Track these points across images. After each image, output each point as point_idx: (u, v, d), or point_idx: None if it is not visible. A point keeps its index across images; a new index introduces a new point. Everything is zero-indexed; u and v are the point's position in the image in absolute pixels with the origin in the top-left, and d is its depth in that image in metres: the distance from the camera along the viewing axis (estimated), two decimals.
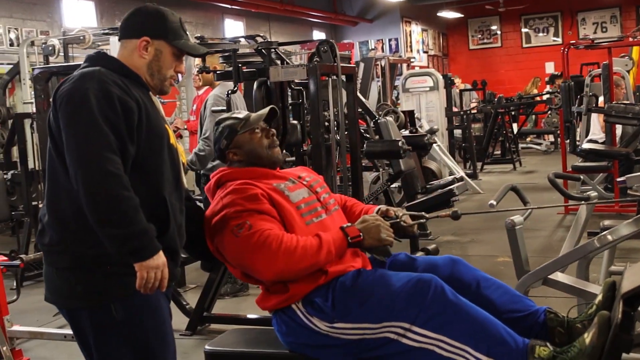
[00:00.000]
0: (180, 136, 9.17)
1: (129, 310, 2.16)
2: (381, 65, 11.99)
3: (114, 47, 7.28)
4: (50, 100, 2.32)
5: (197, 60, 5.35)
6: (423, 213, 2.73)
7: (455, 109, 12.57)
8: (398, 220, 2.60)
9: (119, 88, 2.16)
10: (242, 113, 2.77)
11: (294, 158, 6.53)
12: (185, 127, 8.07)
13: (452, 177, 7.08)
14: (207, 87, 7.78)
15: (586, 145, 6.61)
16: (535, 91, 15.49)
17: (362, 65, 11.34)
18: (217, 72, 4.77)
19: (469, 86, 14.71)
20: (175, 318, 4.46)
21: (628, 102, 7.71)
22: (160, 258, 2.10)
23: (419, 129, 8.58)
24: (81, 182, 2.04)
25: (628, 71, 8.96)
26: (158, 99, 2.49)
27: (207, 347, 2.67)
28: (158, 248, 2.10)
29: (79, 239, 2.15)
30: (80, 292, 2.16)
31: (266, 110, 2.75)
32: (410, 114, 8.27)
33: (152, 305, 2.21)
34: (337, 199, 2.83)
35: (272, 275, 2.39)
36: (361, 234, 2.44)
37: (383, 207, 2.69)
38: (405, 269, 2.54)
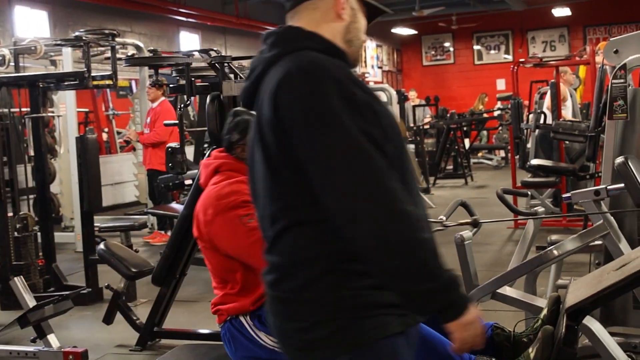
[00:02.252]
0: (133, 148, 9.09)
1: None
2: None
3: (66, 58, 7.18)
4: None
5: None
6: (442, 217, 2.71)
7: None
8: None
9: (354, 84, 1.65)
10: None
11: None
12: (138, 139, 8.00)
13: None
14: (163, 99, 7.76)
15: (535, 161, 6.74)
16: (482, 107, 15.74)
17: None
18: (171, 85, 4.74)
19: (422, 102, 14.89)
20: (125, 333, 4.44)
21: (575, 119, 7.90)
22: (472, 310, 1.66)
23: None
24: (357, 224, 1.54)
25: (575, 89, 9.18)
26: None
27: None
28: (467, 299, 1.67)
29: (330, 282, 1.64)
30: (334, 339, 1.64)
31: None
32: None
33: None
34: None
35: None
36: None
37: None
38: None
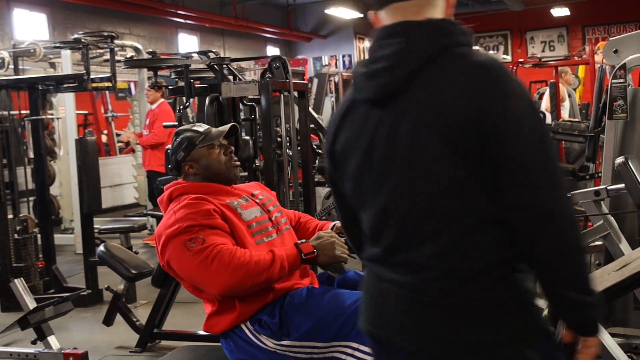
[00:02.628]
0: (132, 150, 9.09)
1: None
2: (335, 81, 12.07)
3: (65, 60, 7.18)
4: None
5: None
6: None
7: None
8: None
9: None
10: (202, 126, 2.75)
11: (246, 173, 6.50)
12: (137, 141, 8.00)
13: None
14: (161, 101, 7.75)
15: None
16: None
17: (315, 81, 11.40)
18: (170, 87, 4.74)
19: None
20: (125, 335, 4.44)
21: (574, 119, 7.90)
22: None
23: None
24: (549, 235, 1.52)
25: (575, 89, 9.19)
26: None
27: None
28: (600, 319, 1.64)
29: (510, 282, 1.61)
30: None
31: (227, 127, 2.74)
32: None
33: None
34: (291, 215, 2.83)
35: (224, 289, 2.36)
36: (315, 250, 2.43)
37: (338, 223, 2.68)
38: (355, 287, 2.54)
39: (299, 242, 2.48)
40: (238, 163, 2.74)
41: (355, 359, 2.30)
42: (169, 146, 4.70)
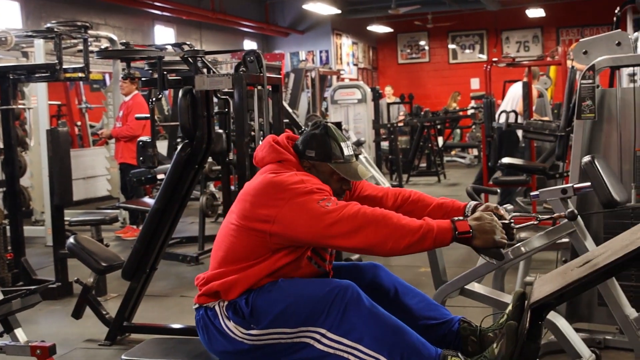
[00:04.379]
0: (106, 142, 9.02)
1: None
2: (311, 77, 12.08)
3: (38, 49, 7.11)
4: None
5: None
6: (535, 214, 2.61)
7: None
8: (509, 222, 2.42)
9: None
10: (350, 150, 2.57)
11: (219, 167, 6.50)
12: (111, 136, 7.96)
13: None
14: (135, 92, 7.71)
15: (506, 160, 6.81)
16: (455, 105, 15.87)
17: (292, 76, 11.40)
18: (142, 79, 4.71)
19: (396, 99, 14.96)
20: (95, 328, 4.42)
21: (546, 119, 8.00)
22: None
23: None
24: None
25: (547, 89, 9.29)
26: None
27: (123, 356, 2.64)
28: None
29: None
30: None
31: (366, 176, 2.57)
32: (338, 125, 8.34)
33: None
34: (380, 193, 2.72)
35: (365, 244, 2.25)
36: (472, 230, 2.28)
37: (491, 204, 2.51)
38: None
39: (456, 218, 2.31)
40: (344, 196, 2.61)
41: (322, 345, 2.31)
42: (143, 138, 4.70)
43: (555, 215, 2.72)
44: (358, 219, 2.26)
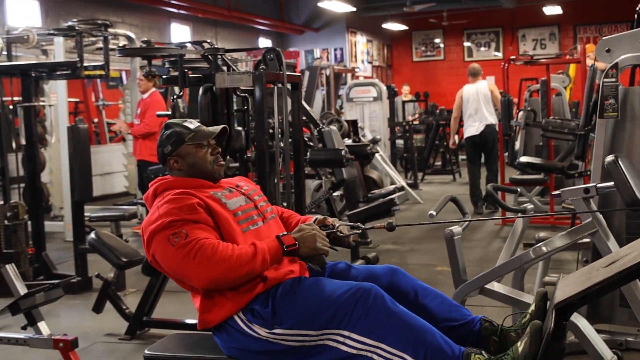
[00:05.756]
0: (123, 139, 9.07)
1: None
2: (326, 75, 12.07)
3: (58, 47, 7.16)
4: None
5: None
6: (359, 224, 2.76)
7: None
8: (334, 230, 2.64)
9: None
10: (193, 123, 2.73)
11: (237, 164, 6.53)
12: (129, 131, 7.98)
13: (394, 186, 7.18)
14: (153, 90, 7.74)
15: (524, 159, 6.79)
16: None
17: (307, 73, 11.39)
18: (163, 77, 4.73)
19: (412, 97, 14.93)
20: (115, 322, 4.45)
21: (565, 117, 7.95)
22: None
23: (362, 138, 8.68)
24: None
25: (565, 87, 9.24)
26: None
27: (146, 351, 2.65)
28: None
29: None
30: None
31: (218, 128, 2.73)
32: (353, 123, 8.36)
33: None
34: (274, 210, 2.86)
35: (207, 282, 2.39)
36: (297, 242, 2.45)
37: (320, 216, 2.71)
38: (344, 278, 2.58)
39: (281, 234, 2.50)
40: (223, 163, 2.75)
41: (346, 347, 2.32)
42: None
43: (377, 224, 2.76)
44: (199, 255, 2.37)
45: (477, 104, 8.66)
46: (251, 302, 2.44)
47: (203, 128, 2.73)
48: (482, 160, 8.97)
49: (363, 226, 2.75)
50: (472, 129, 8.66)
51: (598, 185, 3.00)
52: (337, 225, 2.67)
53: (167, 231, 2.43)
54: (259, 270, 2.41)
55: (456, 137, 10.12)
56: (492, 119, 8.61)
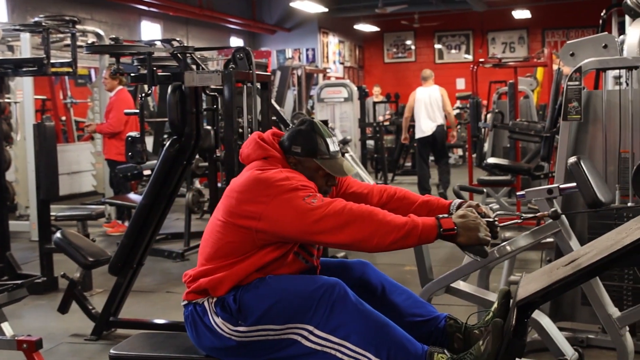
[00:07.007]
0: (91, 137, 8.98)
1: None
2: (297, 75, 12.08)
3: (24, 43, 7.07)
4: None
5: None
6: (518, 213, 2.63)
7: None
8: (493, 220, 2.45)
9: None
10: (336, 146, 2.57)
11: (207, 163, 6.50)
12: (95, 129, 7.93)
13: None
14: (119, 88, 7.68)
15: (491, 160, 6.86)
16: None
17: (278, 73, 11.39)
18: (132, 74, 4.70)
19: (383, 98, 14.99)
20: (81, 323, 4.41)
21: (532, 120, 8.06)
22: None
23: None
24: None
25: (532, 90, 9.36)
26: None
27: (112, 351, 2.65)
28: None
29: None
30: None
31: (352, 172, 2.59)
32: (325, 123, 8.35)
33: None
34: (365, 190, 2.73)
35: (350, 240, 2.28)
36: (456, 228, 2.31)
37: (472, 202, 2.56)
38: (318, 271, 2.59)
39: (441, 215, 2.35)
40: (330, 192, 2.63)
41: (309, 342, 2.33)
42: (132, 133, 4.69)
43: (539, 214, 2.75)
44: (344, 215, 2.28)
45: (429, 107, 9.40)
46: (231, 291, 2.42)
47: (339, 160, 2.57)
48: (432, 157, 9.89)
49: (523, 215, 2.63)
50: (425, 128, 9.45)
51: (561, 186, 3.05)
52: (494, 215, 2.49)
53: (300, 192, 2.33)
54: (403, 244, 2.29)
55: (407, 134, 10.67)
56: (442, 121, 9.43)
